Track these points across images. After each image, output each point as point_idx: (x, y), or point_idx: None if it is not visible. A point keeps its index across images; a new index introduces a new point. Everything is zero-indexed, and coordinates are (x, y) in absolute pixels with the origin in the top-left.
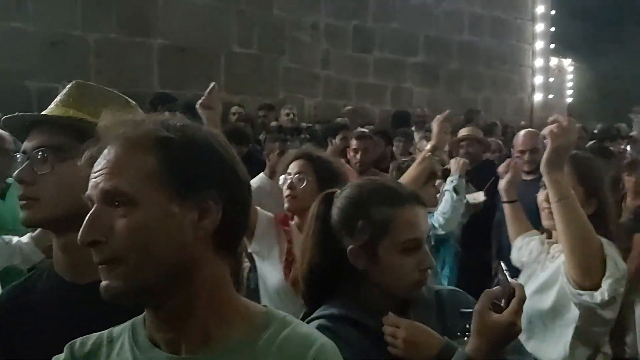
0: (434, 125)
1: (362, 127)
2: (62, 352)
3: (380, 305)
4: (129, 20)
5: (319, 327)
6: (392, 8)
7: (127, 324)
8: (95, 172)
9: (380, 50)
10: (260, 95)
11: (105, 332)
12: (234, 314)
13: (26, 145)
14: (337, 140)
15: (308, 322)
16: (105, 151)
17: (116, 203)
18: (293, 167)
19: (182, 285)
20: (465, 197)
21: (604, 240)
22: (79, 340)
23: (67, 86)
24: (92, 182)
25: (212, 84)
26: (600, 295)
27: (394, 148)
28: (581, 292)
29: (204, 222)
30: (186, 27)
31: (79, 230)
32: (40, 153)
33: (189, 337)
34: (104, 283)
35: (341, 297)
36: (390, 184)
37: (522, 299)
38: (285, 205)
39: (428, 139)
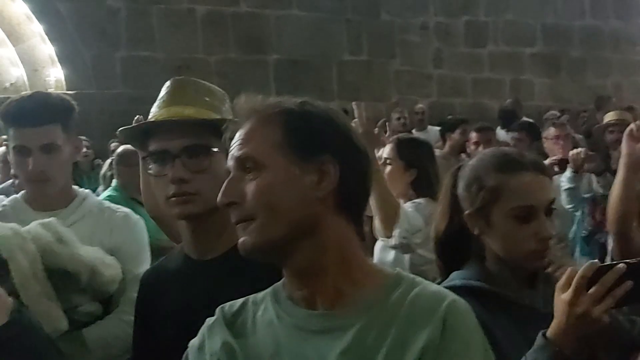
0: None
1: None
2: (189, 321)
3: (504, 276)
4: (245, 40)
5: None
6: None
7: (268, 289)
8: (232, 145)
9: (495, 43)
10: (373, 99)
11: (249, 297)
12: (364, 274)
13: (169, 146)
14: (455, 134)
15: None
16: (241, 128)
17: (247, 168)
18: None
19: (308, 241)
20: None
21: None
22: (227, 303)
23: (169, 85)
24: (229, 154)
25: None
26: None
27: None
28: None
29: (322, 183)
30: (298, 41)
31: (211, 217)
32: (190, 152)
33: (323, 294)
34: (240, 240)
35: (468, 267)
36: (510, 152)
37: (575, 276)
38: None
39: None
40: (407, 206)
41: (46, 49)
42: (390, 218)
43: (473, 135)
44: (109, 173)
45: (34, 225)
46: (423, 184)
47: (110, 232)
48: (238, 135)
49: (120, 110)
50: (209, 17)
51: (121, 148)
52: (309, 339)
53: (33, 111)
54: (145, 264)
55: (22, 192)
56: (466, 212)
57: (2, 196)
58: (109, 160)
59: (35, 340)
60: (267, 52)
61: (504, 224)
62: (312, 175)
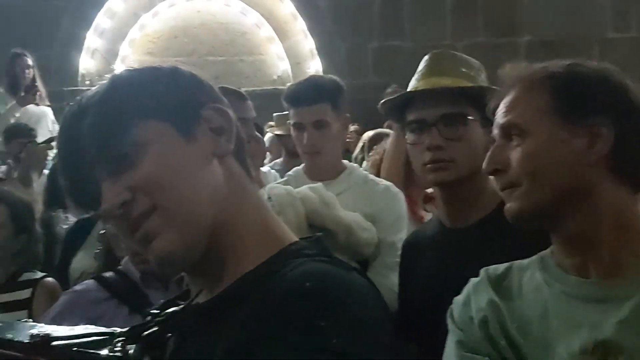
0: None
1: None
2: (443, 286)
3: None
4: (494, 23)
5: None
6: None
7: (534, 257)
8: (496, 114)
9: None
10: None
11: (513, 262)
12: None
13: (426, 114)
14: None
15: None
16: (506, 96)
17: (512, 136)
18: None
19: (579, 208)
20: None
21: None
22: (492, 267)
23: (427, 58)
24: (494, 122)
25: None
26: None
27: None
28: None
29: (594, 147)
30: (554, 20)
31: (464, 185)
32: (446, 120)
33: (597, 263)
34: (506, 206)
35: None
36: None
37: None
38: None
39: None
40: None
41: (307, 44)
42: None
43: None
44: (360, 156)
45: (304, 188)
46: None
47: (370, 201)
48: (503, 104)
49: (370, 98)
50: (458, 2)
51: (373, 132)
52: (581, 306)
53: (306, 92)
54: (400, 233)
55: (303, 164)
56: None
57: (273, 171)
58: (360, 144)
59: None
60: (519, 34)
61: None
62: (583, 139)
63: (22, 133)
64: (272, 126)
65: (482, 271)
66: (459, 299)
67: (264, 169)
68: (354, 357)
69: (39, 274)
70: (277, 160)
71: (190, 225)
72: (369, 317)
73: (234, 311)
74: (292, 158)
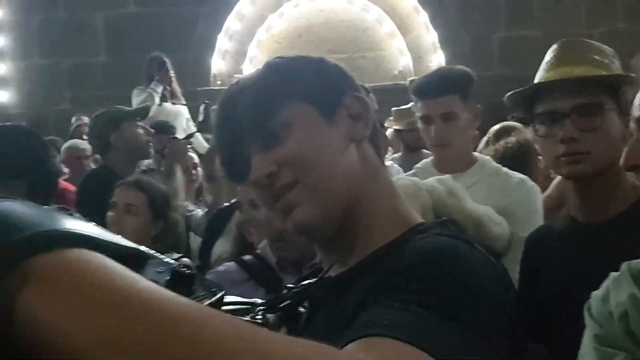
0: None
1: None
2: (574, 281)
3: None
4: (635, 7)
5: None
6: None
7: None
8: (633, 107)
9: None
10: None
11: None
12: None
13: (558, 106)
14: None
15: None
16: None
17: None
18: None
19: None
20: None
21: None
22: (635, 260)
23: (556, 47)
24: (631, 117)
25: None
26: None
27: None
28: None
29: None
30: None
31: (600, 178)
32: (580, 111)
33: None
34: None
35: None
36: None
37: None
38: None
39: None
40: None
41: (429, 37)
42: None
43: None
44: (484, 150)
45: (431, 179)
46: None
47: (503, 194)
48: (638, 96)
49: (494, 91)
50: None
51: (498, 126)
52: None
53: (433, 84)
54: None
55: (432, 157)
56: None
57: (395, 165)
58: (485, 139)
59: None
60: None
61: None
62: None
63: (164, 129)
64: (391, 121)
65: (624, 265)
66: (597, 294)
67: (387, 163)
68: (462, 324)
69: (176, 255)
70: (396, 155)
71: (326, 201)
72: (482, 291)
73: (360, 282)
74: (411, 153)
